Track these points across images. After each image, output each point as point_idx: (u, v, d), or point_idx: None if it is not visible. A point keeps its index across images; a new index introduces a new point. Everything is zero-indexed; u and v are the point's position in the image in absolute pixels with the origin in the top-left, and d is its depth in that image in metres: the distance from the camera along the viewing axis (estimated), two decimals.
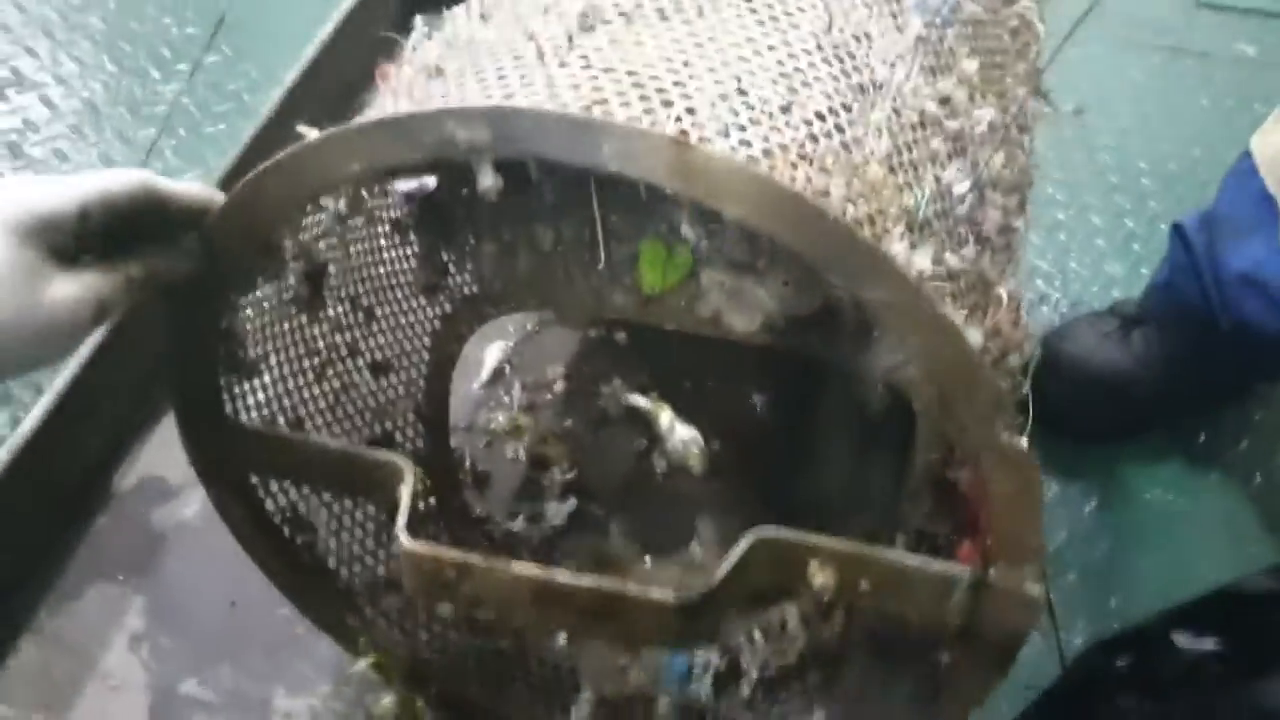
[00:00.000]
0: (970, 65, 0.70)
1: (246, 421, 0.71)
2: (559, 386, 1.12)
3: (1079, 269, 1.35)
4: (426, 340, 0.95)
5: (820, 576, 0.61)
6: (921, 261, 0.54)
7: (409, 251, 0.93)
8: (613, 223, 1.02)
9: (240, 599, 0.92)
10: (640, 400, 1.08)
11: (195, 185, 0.60)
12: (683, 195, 0.49)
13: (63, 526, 0.98)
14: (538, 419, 1.08)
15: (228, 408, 0.70)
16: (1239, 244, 1.02)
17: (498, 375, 1.13)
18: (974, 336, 0.54)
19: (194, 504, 1.00)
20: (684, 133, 0.51)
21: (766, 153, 0.53)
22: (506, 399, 1.11)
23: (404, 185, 0.53)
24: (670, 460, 1.06)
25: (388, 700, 0.82)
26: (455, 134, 0.50)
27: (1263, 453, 1.15)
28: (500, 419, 1.07)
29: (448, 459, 0.98)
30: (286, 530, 0.77)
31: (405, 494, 0.63)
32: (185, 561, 0.96)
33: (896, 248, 0.53)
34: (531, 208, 1.01)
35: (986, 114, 0.68)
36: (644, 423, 1.08)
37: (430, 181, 0.53)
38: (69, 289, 0.54)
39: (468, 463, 1.01)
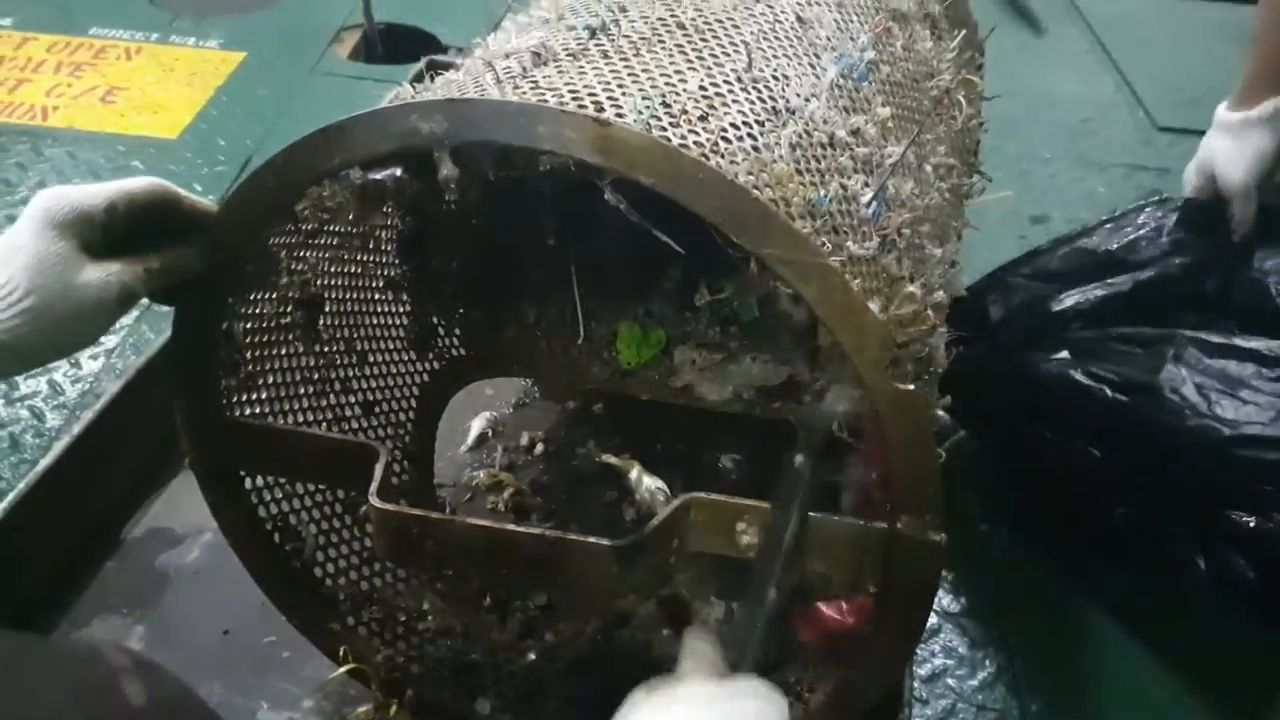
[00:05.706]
0: (883, 111, 0.80)
1: (241, 417, 0.79)
2: (538, 450, 1.19)
3: None
4: (415, 390, 1.04)
5: (747, 535, 0.68)
6: (819, 236, 0.63)
7: (402, 309, 1.03)
8: (591, 305, 1.12)
9: (233, 628, 0.98)
10: (611, 458, 1.16)
11: (204, 199, 0.70)
12: (605, 168, 0.58)
13: (73, 568, 1.04)
14: (518, 476, 1.15)
15: (226, 409, 0.78)
16: None
17: (482, 441, 1.21)
18: (871, 308, 0.62)
19: (196, 550, 1.07)
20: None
21: (683, 147, 0.62)
22: (489, 461, 1.18)
23: (376, 175, 0.62)
24: (639, 509, 1.12)
25: (364, 709, 0.87)
26: (418, 125, 0.60)
27: None
28: (482, 475, 1.14)
29: (431, 503, 1.04)
30: (277, 537, 0.84)
31: (378, 468, 0.71)
32: (184, 598, 1.02)
33: (795, 224, 0.62)
34: (516, 286, 1.11)
35: (897, 149, 0.77)
36: (616, 479, 1.15)
37: (397, 172, 0.63)
38: (97, 274, 0.64)
39: (449, 510, 1.08)
